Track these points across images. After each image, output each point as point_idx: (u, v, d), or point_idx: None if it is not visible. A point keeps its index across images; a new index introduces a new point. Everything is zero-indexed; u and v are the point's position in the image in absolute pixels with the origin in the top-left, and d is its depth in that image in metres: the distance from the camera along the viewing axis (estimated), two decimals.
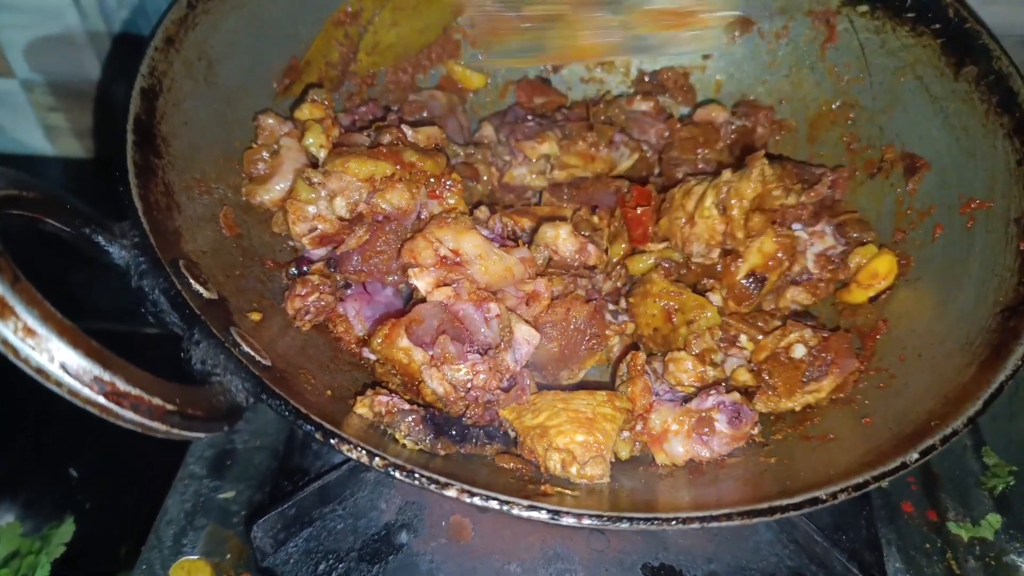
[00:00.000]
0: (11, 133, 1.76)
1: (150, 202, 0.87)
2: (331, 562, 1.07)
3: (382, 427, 0.89)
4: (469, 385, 0.93)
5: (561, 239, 1.11)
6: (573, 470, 0.89)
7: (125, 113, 0.92)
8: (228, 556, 1.09)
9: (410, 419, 0.88)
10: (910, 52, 1.17)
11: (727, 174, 1.09)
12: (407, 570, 1.07)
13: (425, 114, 1.32)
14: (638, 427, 1.00)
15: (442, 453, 0.89)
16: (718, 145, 1.30)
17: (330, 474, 1.09)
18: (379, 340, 0.96)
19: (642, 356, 1.03)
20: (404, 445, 0.88)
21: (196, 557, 1.08)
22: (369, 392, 0.92)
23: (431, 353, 0.93)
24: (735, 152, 1.31)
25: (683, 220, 1.12)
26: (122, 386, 0.63)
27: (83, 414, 1.47)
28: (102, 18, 1.53)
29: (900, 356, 1.01)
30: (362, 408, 0.90)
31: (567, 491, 0.86)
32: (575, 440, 0.91)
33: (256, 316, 0.94)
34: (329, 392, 0.91)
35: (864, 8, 1.21)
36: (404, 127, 1.13)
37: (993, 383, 0.83)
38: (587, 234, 1.14)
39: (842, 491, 0.75)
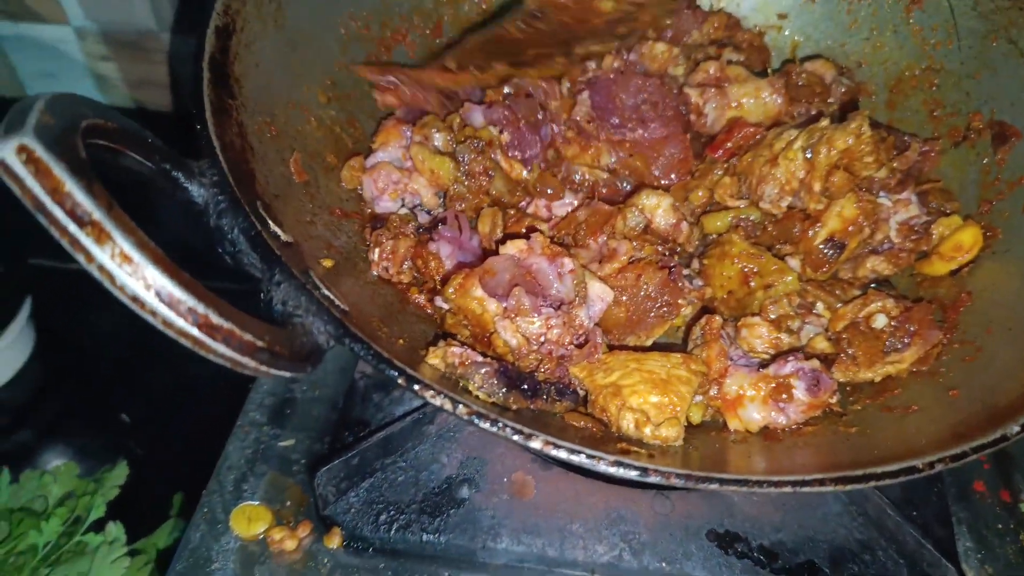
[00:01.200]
0: (62, 81, 1.77)
1: (226, 142, 0.86)
2: (392, 513, 1.07)
3: (454, 378, 0.88)
4: (542, 339, 0.92)
5: (660, 210, 1.09)
6: (647, 430, 0.87)
7: (200, 52, 0.91)
8: (288, 503, 1.09)
9: (484, 371, 0.87)
10: (1004, 15, 1.12)
11: (825, 122, 1.05)
12: (468, 524, 1.07)
13: None
14: (712, 391, 0.98)
15: (513, 407, 0.88)
16: (828, 99, 1.25)
17: (392, 426, 1.09)
18: (453, 289, 0.94)
19: (718, 320, 1.01)
20: (477, 397, 0.86)
21: (257, 503, 1.09)
22: (442, 343, 0.91)
23: (505, 305, 0.92)
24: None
25: (765, 159, 1.08)
26: (215, 319, 0.62)
27: (132, 361, 1.48)
28: None
29: (987, 329, 0.98)
30: (435, 359, 0.89)
31: (642, 451, 0.84)
32: (649, 401, 0.89)
33: (328, 263, 0.93)
34: (401, 341, 0.90)
35: None
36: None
37: None
38: (684, 211, 1.11)
39: (939, 461, 0.73)
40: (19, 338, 1.44)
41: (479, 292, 0.93)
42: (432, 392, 0.72)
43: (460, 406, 0.72)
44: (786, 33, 1.36)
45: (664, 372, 0.91)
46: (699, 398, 0.99)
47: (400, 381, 0.72)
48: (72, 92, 0.70)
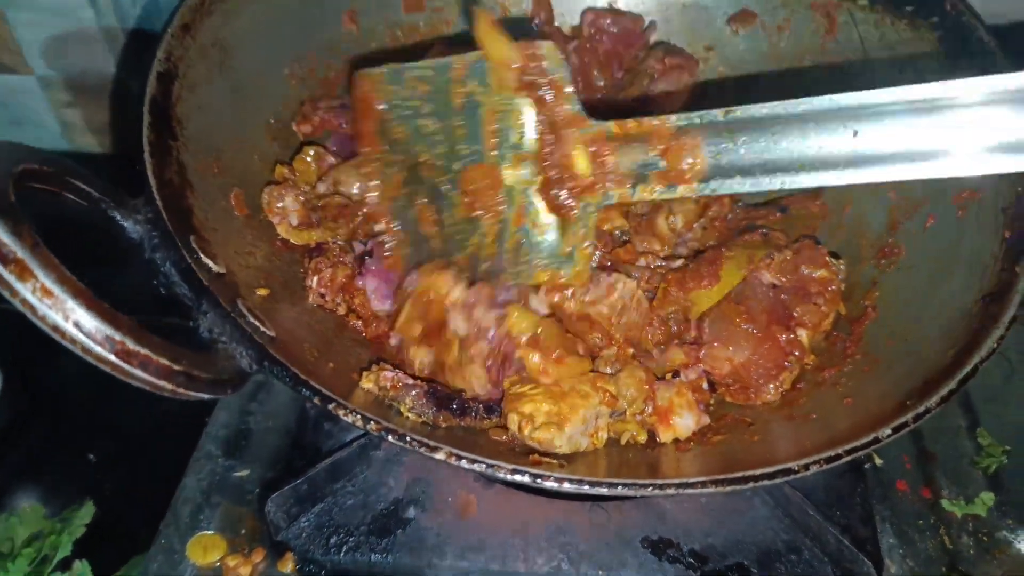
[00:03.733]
0: (28, 128, 1.80)
1: (164, 180, 0.91)
2: (342, 536, 1.12)
3: (387, 401, 0.93)
4: (491, 332, 0.96)
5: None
6: (527, 431, 0.91)
7: (142, 96, 0.96)
8: (243, 532, 1.13)
9: (414, 393, 0.92)
10: (908, 45, 1.18)
11: None
12: (415, 544, 1.11)
13: None
14: (647, 409, 1.01)
15: (443, 425, 0.93)
16: None
17: (340, 452, 1.13)
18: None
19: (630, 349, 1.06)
20: (408, 417, 0.91)
21: (212, 532, 1.13)
22: (375, 367, 0.96)
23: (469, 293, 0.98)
24: None
25: None
26: (131, 346, 0.67)
27: (98, 401, 1.49)
28: (116, 16, 1.57)
29: (888, 342, 1.03)
30: (368, 383, 0.94)
31: (554, 462, 0.89)
32: (540, 408, 0.93)
33: (263, 291, 0.98)
34: (332, 365, 0.95)
35: (864, 1, 1.23)
36: None
37: (968, 364, 0.85)
38: None
39: (814, 463, 0.78)
40: None
41: (449, 277, 0.99)
42: (344, 411, 0.77)
43: (371, 423, 0.77)
44: (712, 65, 1.42)
45: (568, 385, 0.95)
46: (639, 417, 1.03)
47: (315, 401, 0.77)
48: (9, 140, 0.75)
